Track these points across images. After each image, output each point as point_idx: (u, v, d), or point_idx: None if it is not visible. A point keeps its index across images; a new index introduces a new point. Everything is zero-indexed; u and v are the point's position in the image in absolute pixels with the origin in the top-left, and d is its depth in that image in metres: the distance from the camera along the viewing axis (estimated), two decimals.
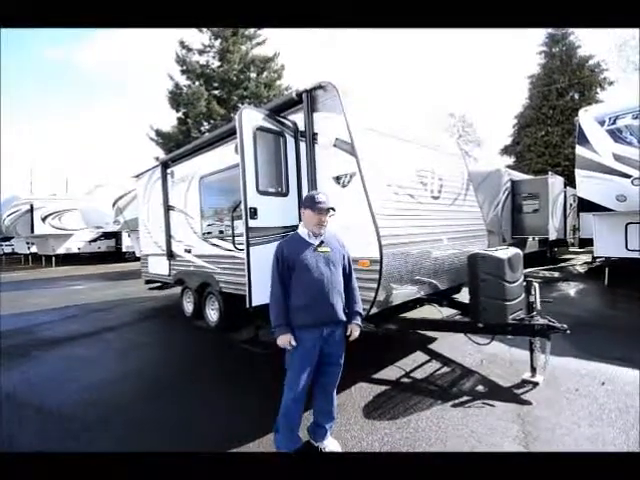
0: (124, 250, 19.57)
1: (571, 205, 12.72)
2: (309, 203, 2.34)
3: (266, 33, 19.75)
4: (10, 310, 7.65)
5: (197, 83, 18.65)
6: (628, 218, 7.22)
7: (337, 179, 3.49)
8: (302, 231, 2.39)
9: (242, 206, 3.45)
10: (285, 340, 2.24)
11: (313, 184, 3.65)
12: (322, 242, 2.36)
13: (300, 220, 2.49)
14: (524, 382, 3.33)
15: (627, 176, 6.69)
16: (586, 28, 21.23)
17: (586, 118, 7.40)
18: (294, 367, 2.30)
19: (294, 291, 2.28)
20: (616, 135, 6.89)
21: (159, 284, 7.42)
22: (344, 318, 2.36)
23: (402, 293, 3.55)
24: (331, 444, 2.47)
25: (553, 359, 3.48)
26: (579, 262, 12.53)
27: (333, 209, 2.37)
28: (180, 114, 18.98)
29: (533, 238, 11.49)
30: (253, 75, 19.41)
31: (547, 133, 23.53)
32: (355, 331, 2.41)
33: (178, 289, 6.73)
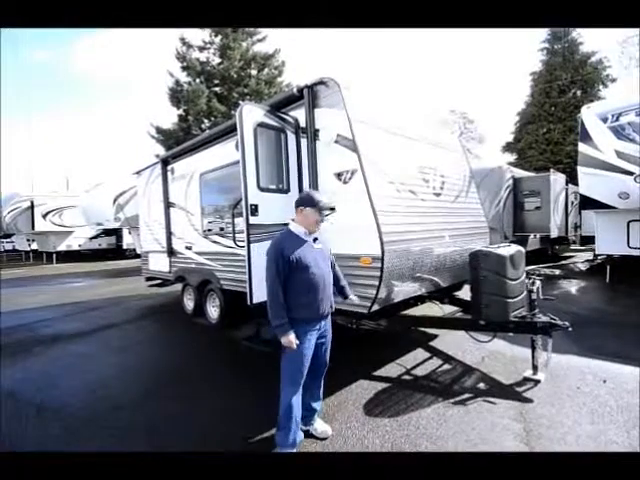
0: (125, 247, 19.56)
1: (573, 202, 12.67)
2: (310, 202, 2.39)
3: (267, 30, 19.63)
4: (10, 307, 7.65)
5: (197, 80, 18.55)
6: (630, 215, 7.20)
7: (338, 175, 3.47)
8: (297, 229, 2.43)
9: (243, 203, 3.43)
10: (290, 338, 2.27)
11: (314, 181, 3.63)
12: (316, 239, 2.47)
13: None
14: (525, 380, 3.32)
15: (630, 173, 6.66)
16: (588, 28, 21.07)
17: (589, 115, 7.35)
18: (298, 363, 2.35)
19: (294, 288, 2.32)
20: (619, 132, 6.85)
21: (159, 281, 7.41)
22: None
23: (404, 290, 3.53)
24: (321, 426, 2.61)
25: (555, 357, 3.46)
26: (580, 260, 12.50)
27: (333, 208, 2.42)
28: (181, 111, 18.89)
29: (535, 235, 11.46)
30: (254, 72, 19.30)
31: (549, 130, 23.42)
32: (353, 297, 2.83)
33: (179, 286, 6.73)
